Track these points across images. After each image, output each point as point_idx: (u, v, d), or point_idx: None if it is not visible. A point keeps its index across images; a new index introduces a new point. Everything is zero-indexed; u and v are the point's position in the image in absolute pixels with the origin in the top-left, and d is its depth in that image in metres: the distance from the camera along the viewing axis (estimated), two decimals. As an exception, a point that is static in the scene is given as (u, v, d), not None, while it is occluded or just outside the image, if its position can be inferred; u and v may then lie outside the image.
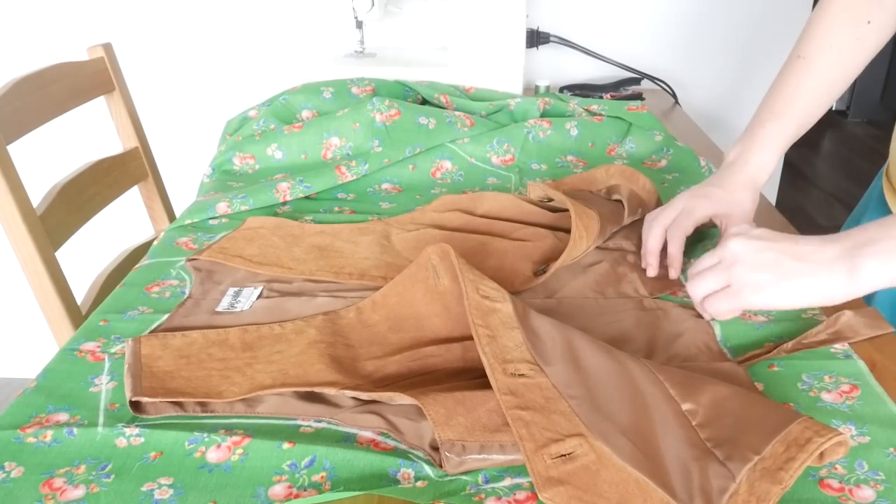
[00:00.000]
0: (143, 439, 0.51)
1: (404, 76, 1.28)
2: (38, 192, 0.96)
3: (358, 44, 1.41)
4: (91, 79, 1.11)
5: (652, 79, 1.51)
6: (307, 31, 1.57)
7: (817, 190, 3.08)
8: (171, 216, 1.23)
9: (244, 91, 1.60)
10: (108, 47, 1.15)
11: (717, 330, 0.64)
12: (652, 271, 0.73)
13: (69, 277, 0.95)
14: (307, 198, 0.92)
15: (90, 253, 1.31)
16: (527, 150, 1.02)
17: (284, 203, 0.90)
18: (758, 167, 0.77)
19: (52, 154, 1.57)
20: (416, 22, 1.55)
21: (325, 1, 1.54)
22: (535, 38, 1.48)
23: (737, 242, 0.61)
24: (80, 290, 1.00)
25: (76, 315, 0.94)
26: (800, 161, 3.33)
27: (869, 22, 0.79)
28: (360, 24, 1.39)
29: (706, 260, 0.64)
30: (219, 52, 1.58)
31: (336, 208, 0.90)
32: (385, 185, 0.96)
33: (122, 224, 1.43)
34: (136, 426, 0.52)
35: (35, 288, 0.92)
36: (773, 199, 1.71)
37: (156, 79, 1.60)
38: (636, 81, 1.50)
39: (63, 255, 0.94)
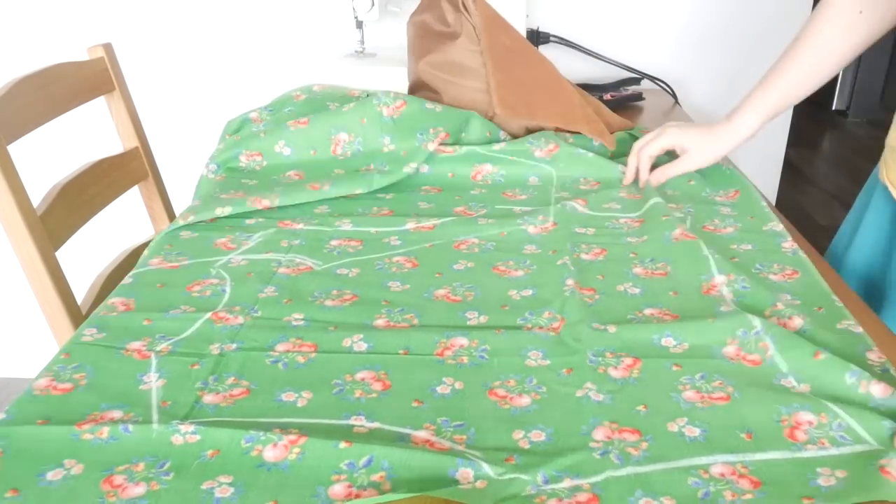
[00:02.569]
0: (198, 437, 0.51)
1: (404, 76, 1.28)
2: (38, 192, 0.96)
3: (358, 44, 1.41)
4: (91, 79, 1.11)
5: (652, 79, 1.51)
6: (307, 31, 1.57)
7: (817, 189, 3.08)
8: (171, 216, 1.23)
9: (244, 91, 1.60)
10: (108, 47, 1.15)
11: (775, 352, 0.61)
12: (626, 181, 0.97)
13: (69, 277, 0.95)
14: (345, 197, 0.92)
15: (90, 253, 1.31)
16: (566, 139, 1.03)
17: (322, 202, 0.91)
18: (742, 124, 0.93)
19: (52, 154, 1.57)
20: (416, 22, 1.55)
21: (325, 1, 1.54)
22: (535, 38, 1.48)
23: None
24: (80, 290, 1.00)
25: (76, 315, 0.94)
26: (800, 161, 3.33)
27: (861, 12, 0.84)
28: (360, 24, 1.39)
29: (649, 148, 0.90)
30: (219, 52, 1.59)
31: (375, 208, 0.90)
32: (424, 186, 0.96)
33: (122, 224, 1.43)
34: (191, 423, 0.52)
35: (35, 288, 0.92)
36: (773, 198, 1.71)
37: (156, 79, 1.60)
38: (636, 81, 1.50)
39: (63, 255, 0.94)
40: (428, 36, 1.07)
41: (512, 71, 1.04)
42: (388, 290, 0.72)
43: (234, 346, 0.62)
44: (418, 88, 1.09)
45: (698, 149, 0.95)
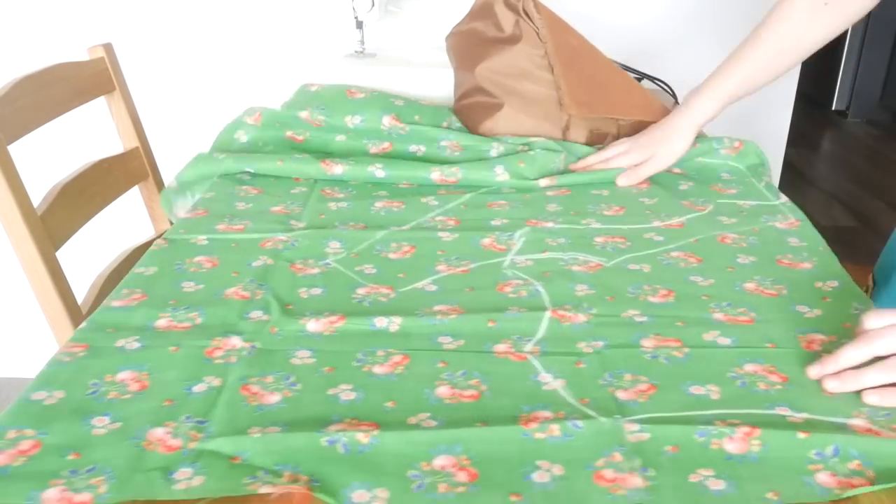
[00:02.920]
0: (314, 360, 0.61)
1: (404, 76, 1.28)
2: (39, 192, 0.96)
3: (358, 44, 1.41)
4: (91, 79, 1.11)
5: (652, 79, 1.51)
6: (307, 31, 1.57)
7: (817, 190, 3.08)
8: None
9: (244, 91, 1.60)
10: (108, 47, 1.15)
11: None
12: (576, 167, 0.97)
13: (69, 277, 0.95)
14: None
15: (90, 253, 1.31)
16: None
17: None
18: (698, 110, 0.93)
19: (52, 154, 1.57)
20: (416, 22, 1.55)
21: (325, 1, 1.54)
22: (535, 38, 1.48)
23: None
24: (81, 290, 1.00)
25: (76, 315, 0.94)
26: (800, 161, 3.33)
27: (826, 3, 0.84)
28: (360, 24, 1.38)
29: (854, 354, 0.55)
30: (219, 51, 1.59)
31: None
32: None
33: (122, 224, 1.43)
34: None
35: (35, 288, 0.92)
36: (772, 198, 1.71)
37: (156, 79, 1.60)
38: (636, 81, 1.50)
39: (63, 255, 0.94)
40: (481, 44, 1.09)
41: (582, 70, 1.06)
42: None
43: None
44: (472, 94, 1.08)
45: (663, 149, 0.95)
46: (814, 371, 0.56)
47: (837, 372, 0.55)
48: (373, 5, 1.31)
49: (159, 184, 1.22)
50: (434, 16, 1.54)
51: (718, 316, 0.66)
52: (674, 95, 1.48)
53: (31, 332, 1.74)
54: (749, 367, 0.58)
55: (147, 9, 1.55)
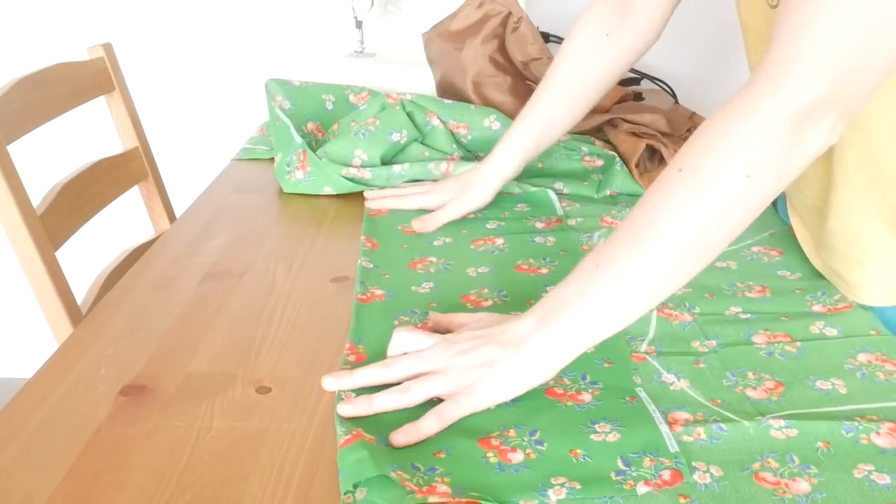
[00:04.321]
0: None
1: (404, 76, 1.28)
2: (38, 192, 0.96)
3: (358, 44, 1.41)
4: (91, 79, 1.11)
5: (652, 79, 1.51)
6: (307, 31, 1.57)
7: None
8: (171, 216, 1.23)
9: (244, 91, 1.60)
10: (108, 47, 1.15)
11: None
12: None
13: (69, 277, 0.95)
14: None
15: (90, 253, 1.31)
16: None
17: None
18: (502, 162, 0.88)
19: (52, 154, 1.57)
20: (416, 22, 1.55)
21: (325, 1, 1.54)
22: (535, 38, 1.48)
23: (441, 346, 0.57)
24: (81, 290, 1.00)
25: (76, 315, 0.94)
26: (800, 161, 3.32)
27: (607, 35, 0.84)
28: (359, 24, 1.38)
29: (369, 375, 0.57)
30: (219, 51, 1.59)
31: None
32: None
33: (122, 224, 1.43)
34: None
35: (35, 288, 0.92)
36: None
37: (156, 79, 1.60)
38: (636, 81, 1.50)
39: (63, 255, 0.94)
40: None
41: None
42: None
43: None
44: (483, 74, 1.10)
45: (463, 198, 0.87)
46: (329, 383, 0.57)
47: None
48: (372, 5, 1.31)
49: (159, 184, 1.22)
50: (434, 16, 1.54)
51: (817, 308, 0.67)
52: (673, 95, 1.48)
53: (31, 332, 1.75)
54: (862, 357, 0.60)
55: (147, 9, 1.55)
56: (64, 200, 0.98)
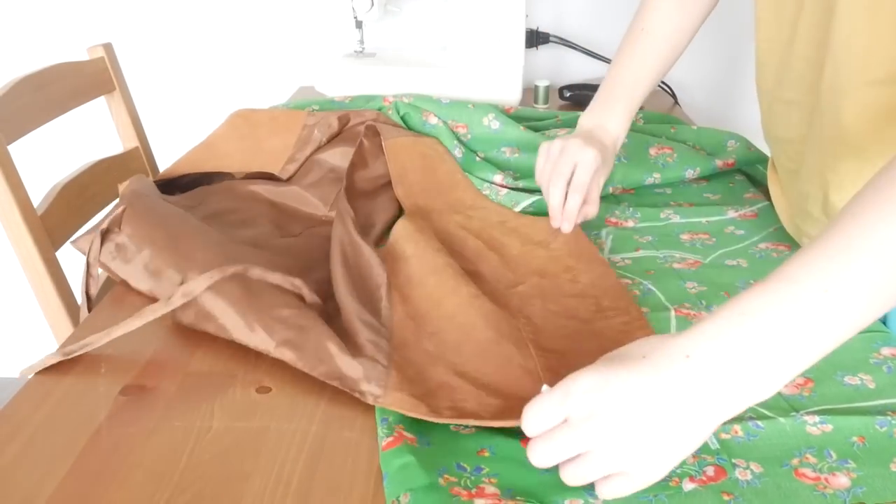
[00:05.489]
0: None
1: (404, 76, 1.28)
2: (38, 192, 0.96)
3: (357, 44, 1.41)
4: (91, 79, 1.11)
5: (652, 79, 1.51)
6: (307, 31, 1.57)
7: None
8: (171, 216, 1.23)
9: (244, 91, 1.60)
10: (108, 47, 1.15)
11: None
12: (567, 226, 0.78)
13: (69, 277, 0.95)
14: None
15: (90, 253, 1.31)
16: None
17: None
18: (616, 133, 0.83)
19: (52, 154, 1.57)
20: (416, 22, 1.55)
21: (325, 1, 1.54)
22: (535, 38, 1.48)
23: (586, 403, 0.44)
24: (81, 290, 1.00)
25: (76, 315, 0.94)
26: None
27: None
28: (359, 24, 1.39)
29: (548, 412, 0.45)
30: (219, 51, 1.59)
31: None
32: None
33: (122, 224, 1.43)
34: None
35: (35, 288, 0.92)
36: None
37: (156, 79, 1.60)
38: (636, 81, 1.50)
39: (63, 255, 0.94)
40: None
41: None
42: None
43: None
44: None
45: (605, 164, 0.81)
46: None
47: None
48: (372, 5, 1.31)
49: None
50: (434, 16, 1.54)
51: None
52: (673, 96, 1.48)
53: (31, 332, 1.75)
54: (885, 351, 0.60)
55: (147, 9, 1.55)
56: (64, 200, 0.98)
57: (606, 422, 0.44)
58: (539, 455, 0.45)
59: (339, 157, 0.91)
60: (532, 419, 0.46)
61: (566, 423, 0.45)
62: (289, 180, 0.90)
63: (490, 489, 0.47)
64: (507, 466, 0.49)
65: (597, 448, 0.44)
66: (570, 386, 0.45)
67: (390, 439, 0.50)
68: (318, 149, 0.94)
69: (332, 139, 0.95)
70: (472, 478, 0.48)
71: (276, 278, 0.63)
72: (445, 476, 0.48)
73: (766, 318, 0.43)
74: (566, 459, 0.45)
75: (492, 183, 0.92)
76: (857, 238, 0.43)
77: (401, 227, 0.77)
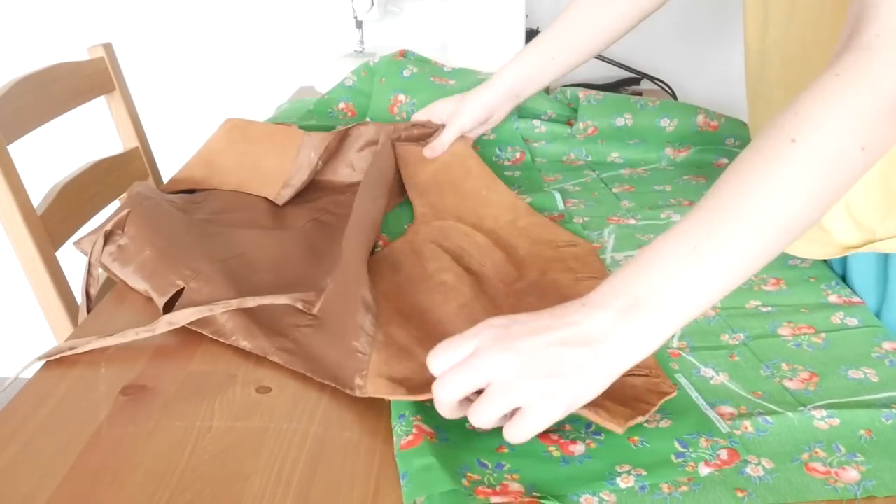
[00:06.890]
0: None
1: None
2: (39, 192, 0.97)
3: (357, 43, 1.41)
4: (91, 79, 1.11)
5: (651, 79, 1.51)
6: (307, 31, 1.57)
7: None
8: (171, 216, 1.23)
9: (244, 91, 1.61)
10: (108, 47, 1.15)
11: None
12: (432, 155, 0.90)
13: (69, 277, 0.95)
14: None
15: (90, 253, 1.31)
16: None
17: None
18: (513, 77, 0.90)
19: (52, 154, 1.57)
20: (416, 22, 1.55)
21: (325, 1, 1.54)
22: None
23: (495, 351, 0.47)
24: (81, 291, 1.00)
25: (76, 315, 0.94)
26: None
27: None
28: (359, 24, 1.39)
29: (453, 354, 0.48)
30: (219, 51, 1.59)
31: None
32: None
33: (122, 224, 1.43)
34: None
35: (35, 288, 0.92)
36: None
37: (156, 79, 1.60)
38: (636, 81, 1.50)
39: (63, 255, 0.94)
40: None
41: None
42: None
43: None
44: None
45: (457, 116, 0.91)
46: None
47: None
48: (372, 5, 1.31)
49: (159, 184, 1.22)
50: (433, 16, 1.54)
51: (833, 298, 0.68)
52: (673, 96, 1.48)
53: (31, 332, 1.75)
54: (887, 346, 0.61)
55: (147, 9, 1.55)
56: (64, 200, 0.98)
57: (505, 351, 0.47)
58: (443, 386, 0.48)
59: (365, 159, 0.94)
60: (440, 350, 0.49)
61: (471, 354, 0.48)
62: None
63: (514, 486, 0.47)
64: (526, 462, 0.49)
65: (496, 379, 0.47)
66: (481, 325, 0.49)
67: (409, 437, 0.49)
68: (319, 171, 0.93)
69: (331, 157, 0.94)
70: (495, 475, 0.48)
71: (271, 300, 0.64)
72: (469, 475, 0.48)
73: (645, 269, 0.49)
74: (474, 402, 0.48)
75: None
76: (731, 199, 0.48)
77: (403, 240, 0.77)
